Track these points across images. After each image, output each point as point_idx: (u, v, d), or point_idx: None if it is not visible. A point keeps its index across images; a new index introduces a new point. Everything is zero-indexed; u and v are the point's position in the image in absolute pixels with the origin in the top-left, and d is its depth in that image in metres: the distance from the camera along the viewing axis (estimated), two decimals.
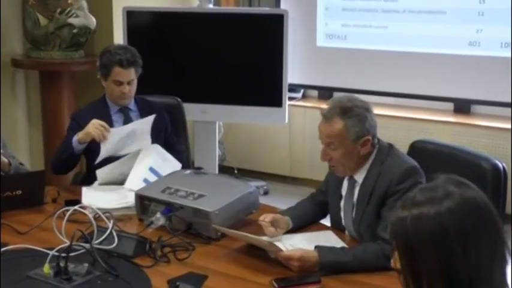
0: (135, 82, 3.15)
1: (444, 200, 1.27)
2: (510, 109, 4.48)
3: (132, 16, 4.56)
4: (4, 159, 2.86)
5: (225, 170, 5.26)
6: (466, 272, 1.24)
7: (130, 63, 3.09)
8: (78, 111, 3.29)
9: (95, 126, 2.94)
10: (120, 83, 3.10)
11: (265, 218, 2.41)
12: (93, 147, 3.00)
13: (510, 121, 4.46)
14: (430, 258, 1.25)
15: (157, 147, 3.02)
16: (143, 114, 3.18)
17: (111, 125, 3.09)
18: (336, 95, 4.54)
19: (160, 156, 2.98)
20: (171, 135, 3.31)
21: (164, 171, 2.87)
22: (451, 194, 1.28)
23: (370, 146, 2.36)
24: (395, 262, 1.33)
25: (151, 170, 2.90)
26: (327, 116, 2.35)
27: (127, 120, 3.17)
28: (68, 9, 4.56)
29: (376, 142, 2.40)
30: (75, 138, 2.98)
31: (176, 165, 2.98)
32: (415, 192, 1.33)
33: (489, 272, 1.25)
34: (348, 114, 2.32)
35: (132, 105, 3.22)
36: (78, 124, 3.09)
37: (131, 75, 3.11)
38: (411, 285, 1.29)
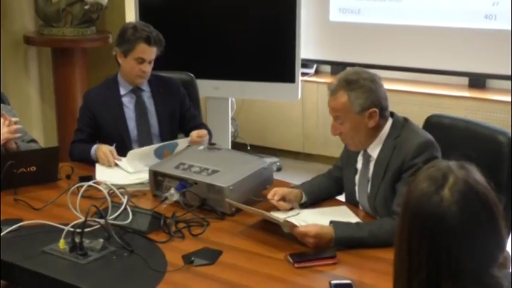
0: (152, 63, 3.07)
1: (446, 185, 1.23)
2: None
3: None
4: (12, 144, 2.77)
5: (237, 146, 5.25)
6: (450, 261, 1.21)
7: (156, 42, 3.01)
8: (89, 92, 3.23)
9: (102, 152, 2.88)
10: (142, 61, 3.01)
11: (274, 196, 2.40)
12: (108, 133, 3.03)
13: None
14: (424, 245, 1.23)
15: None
16: (156, 94, 3.14)
17: (121, 107, 3.07)
18: None
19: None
20: (189, 110, 3.25)
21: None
22: (453, 178, 1.24)
23: (380, 118, 2.33)
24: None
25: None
26: (332, 90, 2.34)
27: (138, 102, 3.11)
28: None
29: (388, 115, 2.37)
30: (93, 151, 2.94)
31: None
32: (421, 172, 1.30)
33: (483, 263, 1.22)
34: (352, 86, 2.30)
35: (144, 85, 3.14)
36: (88, 109, 3.09)
37: (154, 54, 3.03)
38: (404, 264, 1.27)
